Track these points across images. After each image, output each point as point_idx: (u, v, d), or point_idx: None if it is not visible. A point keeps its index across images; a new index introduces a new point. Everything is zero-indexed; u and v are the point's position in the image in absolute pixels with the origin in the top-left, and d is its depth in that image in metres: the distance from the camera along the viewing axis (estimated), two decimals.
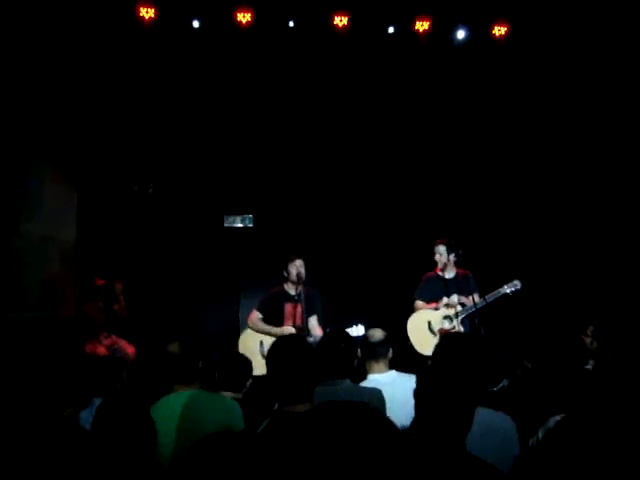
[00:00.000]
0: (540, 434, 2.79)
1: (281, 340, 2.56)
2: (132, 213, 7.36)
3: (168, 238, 7.38)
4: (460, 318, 5.64)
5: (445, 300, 5.72)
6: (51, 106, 5.11)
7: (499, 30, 6.73)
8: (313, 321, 5.83)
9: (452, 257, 5.82)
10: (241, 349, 5.73)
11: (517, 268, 6.77)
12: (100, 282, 6.36)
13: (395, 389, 3.28)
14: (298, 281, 5.69)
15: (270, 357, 2.46)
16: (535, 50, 6.84)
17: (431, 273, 5.98)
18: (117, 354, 6.17)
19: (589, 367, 4.16)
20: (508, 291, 5.65)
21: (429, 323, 5.72)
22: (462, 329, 5.56)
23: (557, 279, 7.17)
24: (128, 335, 6.51)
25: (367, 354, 3.65)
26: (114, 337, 6.39)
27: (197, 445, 2.05)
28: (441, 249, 5.86)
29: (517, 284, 5.67)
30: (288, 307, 5.77)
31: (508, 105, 7.70)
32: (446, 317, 5.72)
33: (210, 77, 7.19)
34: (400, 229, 7.59)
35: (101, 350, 6.13)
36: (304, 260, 5.81)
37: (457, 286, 5.78)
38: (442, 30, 6.75)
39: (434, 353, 2.98)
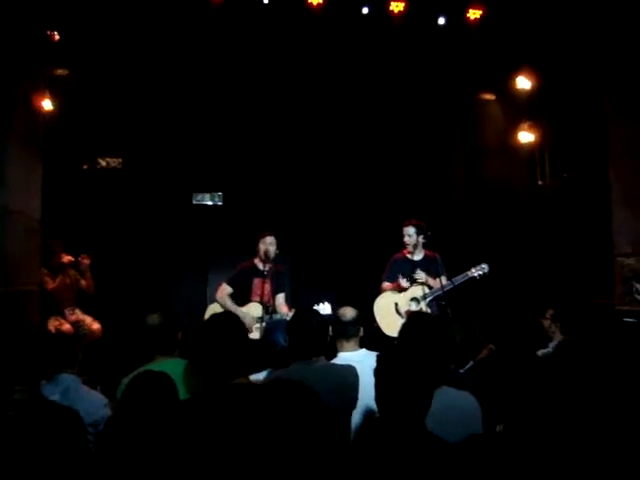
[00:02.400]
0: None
1: (211, 318, 2.54)
2: (101, 188, 7.28)
3: (137, 214, 7.31)
4: (427, 300, 5.65)
5: (415, 275, 5.72)
6: (15, 76, 4.98)
7: (474, 14, 6.73)
8: (281, 299, 5.84)
9: (421, 239, 5.79)
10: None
11: (484, 250, 6.89)
12: (67, 258, 6.27)
13: (364, 367, 3.30)
14: (265, 258, 5.69)
15: (200, 335, 2.44)
16: (508, 34, 6.87)
17: (398, 255, 5.95)
18: (82, 331, 6.12)
19: (549, 350, 4.23)
20: (475, 274, 5.66)
21: (396, 305, 5.72)
22: (429, 311, 5.54)
23: (522, 262, 7.30)
24: (95, 311, 6.46)
25: (338, 333, 3.65)
26: (79, 313, 6.33)
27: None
28: (410, 230, 5.82)
29: (485, 267, 5.68)
30: (257, 282, 5.77)
31: (480, 90, 7.78)
32: (413, 299, 5.70)
33: (181, 54, 7.09)
34: (370, 209, 7.62)
35: (66, 327, 6.07)
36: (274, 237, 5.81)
37: (425, 268, 5.75)
38: (417, 12, 6.72)
39: (400, 333, 2.99)
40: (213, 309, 5.84)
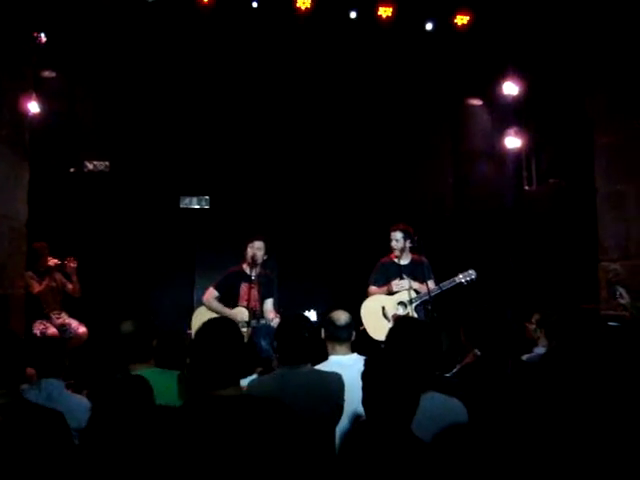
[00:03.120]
0: None
1: (209, 323, 2.52)
2: (88, 192, 7.24)
3: (124, 218, 7.28)
4: (414, 305, 5.65)
5: (396, 281, 5.74)
6: (1, 77, 4.95)
7: (462, 19, 6.76)
8: (268, 304, 5.83)
9: (408, 243, 5.82)
10: (194, 326, 5.69)
11: (471, 255, 6.92)
12: (53, 261, 6.23)
13: (356, 371, 3.29)
14: (252, 263, 5.68)
15: (197, 340, 2.41)
16: (496, 40, 6.92)
17: (385, 259, 5.98)
18: (68, 334, 6.09)
19: (534, 354, 4.24)
20: (463, 280, 5.68)
21: (383, 308, 5.73)
22: (416, 315, 5.58)
23: (508, 266, 7.35)
24: (81, 315, 6.42)
25: (331, 336, 3.64)
26: (65, 317, 6.29)
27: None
28: (398, 235, 5.83)
29: (472, 274, 5.70)
30: (244, 287, 5.75)
31: (467, 95, 7.83)
32: (400, 303, 5.73)
33: (169, 57, 7.08)
34: (358, 212, 7.63)
35: (51, 331, 6.03)
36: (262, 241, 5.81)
37: (412, 272, 5.79)
38: (405, 17, 6.75)
39: (387, 337, 2.99)
40: (200, 312, 5.84)
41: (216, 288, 5.84)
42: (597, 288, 5.61)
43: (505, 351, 3.49)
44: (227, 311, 5.65)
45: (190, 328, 5.79)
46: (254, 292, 5.66)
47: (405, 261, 5.91)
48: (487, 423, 2.91)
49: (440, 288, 5.63)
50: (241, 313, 5.64)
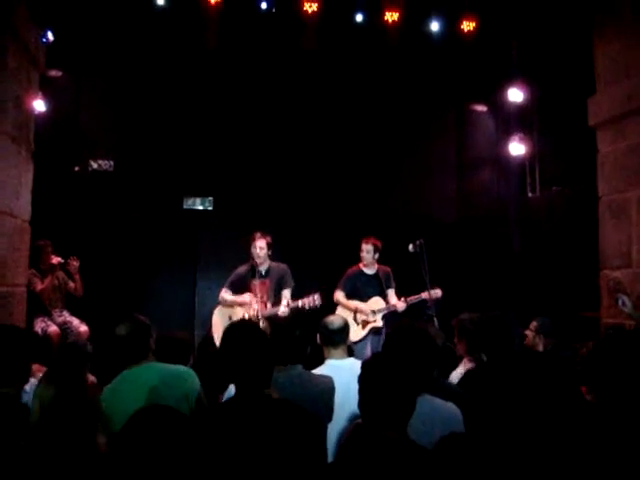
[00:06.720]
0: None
1: (234, 326, 2.54)
2: (92, 191, 7.27)
3: (127, 218, 7.30)
4: (380, 315, 6.11)
5: (363, 307, 6.13)
6: (7, 76, 4.97)
7: (468, 25, 6.78)
8: (287, 294, 6.00)
9: (376, 256, 6.23)
10: (214, 325, 6.04)
11: (473, 261, 6.92)
12: (56, 259, 6.25)
13: (353, 375, 3.30)
14: (259, 261, 5.91)
15: (224, 345, 2.44)
16: (501, 46, 6.94)
17: (354, 268, 6.35)
18: (69, 332, 6.11)
19: None
20: (424, 296, 5.98)
21: (355, 312, 6.15)
22: (381, 324, 6.08)
23: (509, 273, 7.35)
24: (83, 313, 6.44)
25: (326, 341, 3.69)
26: (66, 315, 6.31)
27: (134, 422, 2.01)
28: (369, 247, 6.21)
29: (438, 292, 5.99)
30: (255, 283, 5.95)
31: (472, 101, 7.83)
32: (371, 311, 6.12)
33: (174, 58, 7.12)
34: (361, 216, 7.64)
35: (52, 329, 6.05)
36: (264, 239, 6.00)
37: (377, 281, 6.25)
38: (411, 22, 6.77)
39: (384, 341, 3.01)
40: (218, 310, 6.09)
41: (229, 287, 6.07)
42: (599, 296, 5.60)
43: (512, 357, 3.50)
44: (238, 299, 5.94)
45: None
46: (265, 287, 5.90)
47: (372, 271, 6.31)
48: (488, 428, 2.90)
49: (407, 302, 6.07)
50: (249, 300, 5.85)
